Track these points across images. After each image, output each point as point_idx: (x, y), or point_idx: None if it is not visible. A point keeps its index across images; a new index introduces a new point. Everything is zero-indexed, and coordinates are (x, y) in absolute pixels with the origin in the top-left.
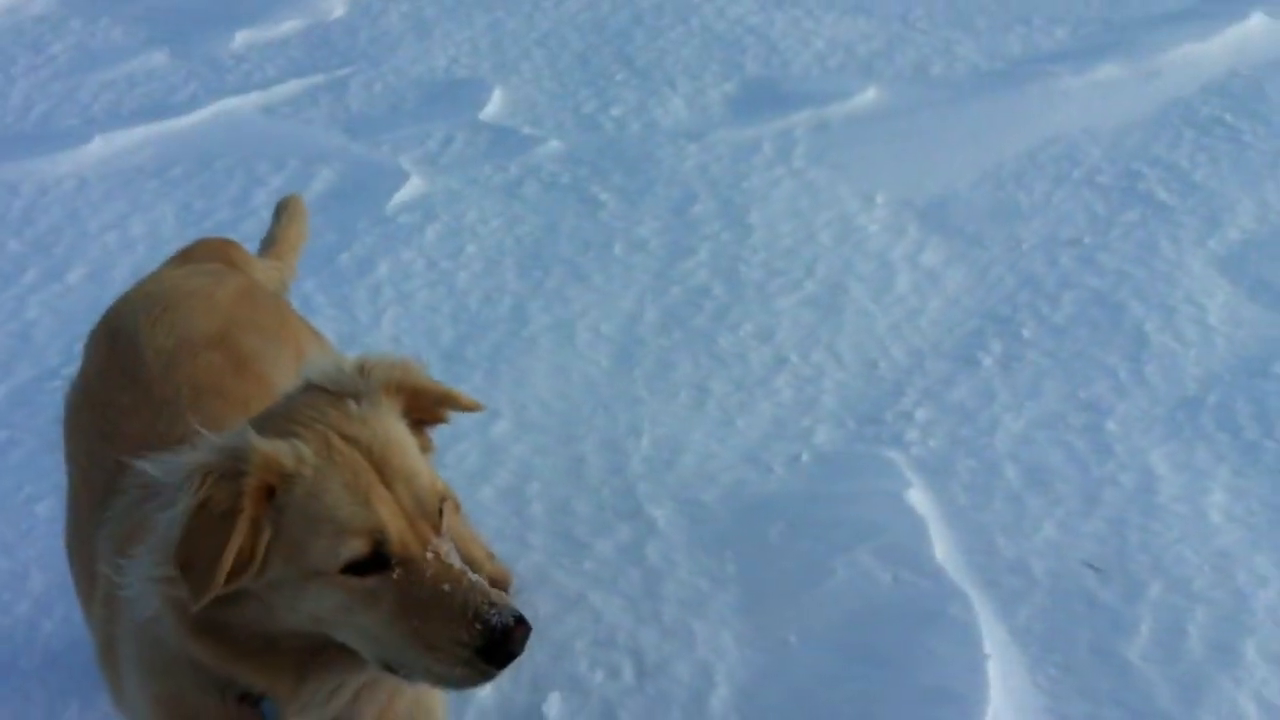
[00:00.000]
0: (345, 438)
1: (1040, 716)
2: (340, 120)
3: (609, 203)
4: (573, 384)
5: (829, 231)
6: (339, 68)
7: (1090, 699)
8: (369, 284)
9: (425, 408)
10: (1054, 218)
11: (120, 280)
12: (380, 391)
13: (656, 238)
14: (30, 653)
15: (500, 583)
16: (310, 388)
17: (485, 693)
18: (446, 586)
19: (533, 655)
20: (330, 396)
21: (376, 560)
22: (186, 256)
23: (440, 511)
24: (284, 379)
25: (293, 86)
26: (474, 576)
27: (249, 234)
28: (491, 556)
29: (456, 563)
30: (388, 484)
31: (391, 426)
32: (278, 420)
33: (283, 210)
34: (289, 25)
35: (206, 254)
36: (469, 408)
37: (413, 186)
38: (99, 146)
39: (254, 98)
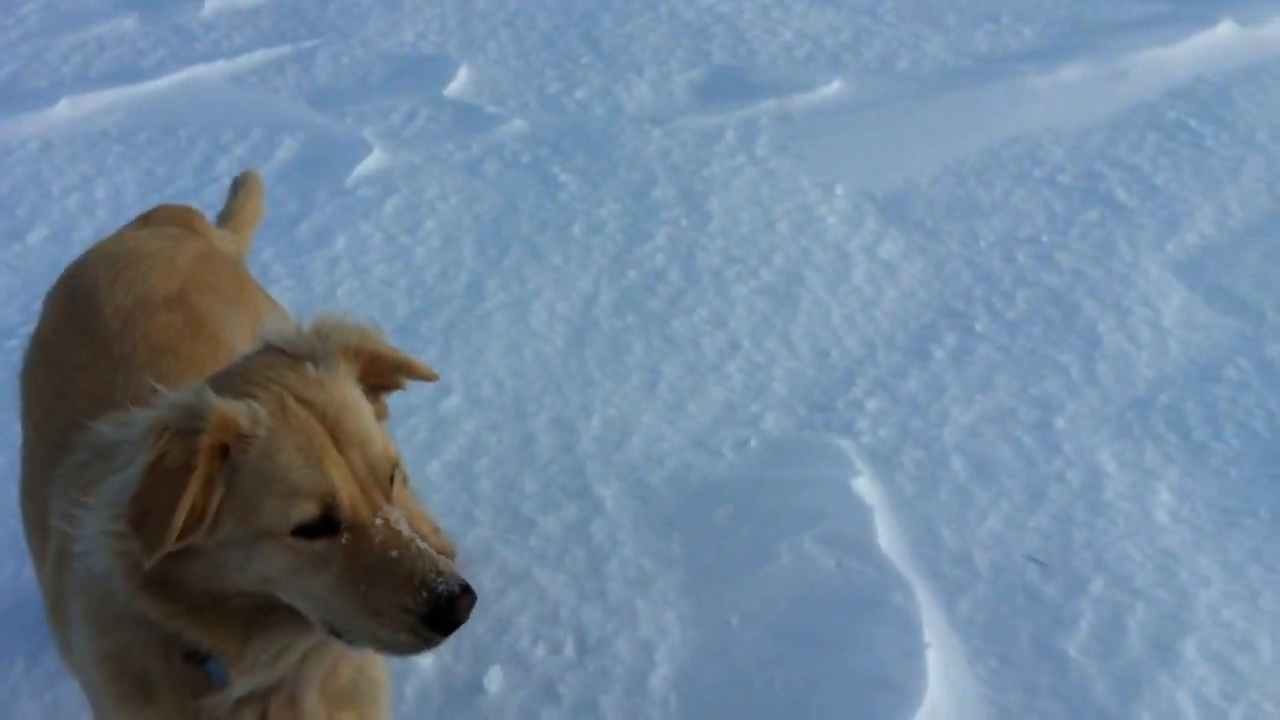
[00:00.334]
0: (301, 400)
1: (978, 707)
2: (306, 91)
3: (569, 184)
4: (526, 362)
5: (788, 221)
6: (307, 39)
7: (1029, 691)
8: (327, 255)
9: (382, 374)
10: (1013, 215)
11: (81, 243)
12: (337, 356)
13: (615, 220)
14: None
15: (445, 556)
16: (268, 349)
17: (427, 663)
18: (394, 553)
19: (475, 628)
20: (287, 359)
21: (326, 524)
22: (147, 220)
23: (391, 479)
24: (240, 343)
25: (260, 56)
26: (422, 544)
27: (211, 201)
28: (437, 530)
29: (405, 530)
30: (341, 449)
31: (347, 392)
32: (235, 380)
33: (240, 186)
34: None
35: (167, 219)
36: (425, 376)
37: (375, 160)
38: (65, 109)
39: (221, 66)
